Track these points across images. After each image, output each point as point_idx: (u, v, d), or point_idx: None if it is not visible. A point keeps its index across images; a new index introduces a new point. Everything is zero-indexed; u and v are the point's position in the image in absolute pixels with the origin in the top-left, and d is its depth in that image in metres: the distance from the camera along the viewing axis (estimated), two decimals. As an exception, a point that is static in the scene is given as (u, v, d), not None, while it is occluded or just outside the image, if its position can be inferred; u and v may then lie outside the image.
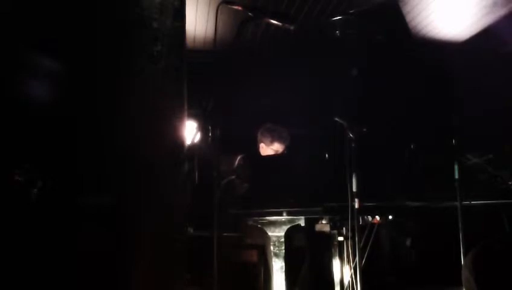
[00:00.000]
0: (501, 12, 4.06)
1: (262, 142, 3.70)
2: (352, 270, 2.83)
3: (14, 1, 2.05)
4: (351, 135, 2.75)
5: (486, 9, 4.03)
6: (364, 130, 2.81)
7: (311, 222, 2.90)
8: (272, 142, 3.64)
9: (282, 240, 2.83)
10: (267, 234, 2.87)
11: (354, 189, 2.68)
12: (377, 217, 3.01)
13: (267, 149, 3.67)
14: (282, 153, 3.60)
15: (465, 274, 2.29)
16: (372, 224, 3.03)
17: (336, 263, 2.95)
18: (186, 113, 2.28)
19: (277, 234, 2.84)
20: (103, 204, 1.99)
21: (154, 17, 2.19)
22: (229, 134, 2.28)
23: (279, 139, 3.63)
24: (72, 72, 2.08)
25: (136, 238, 2.05)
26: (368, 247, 2.99)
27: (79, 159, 2.02)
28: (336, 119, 2.84)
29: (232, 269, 2.86)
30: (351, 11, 3.69)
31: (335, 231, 2.93)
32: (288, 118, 4.07)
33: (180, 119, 2.23)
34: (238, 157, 3.55)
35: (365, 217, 2.97)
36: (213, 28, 3.96)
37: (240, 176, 3.18)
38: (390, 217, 3.11)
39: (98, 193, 2.01)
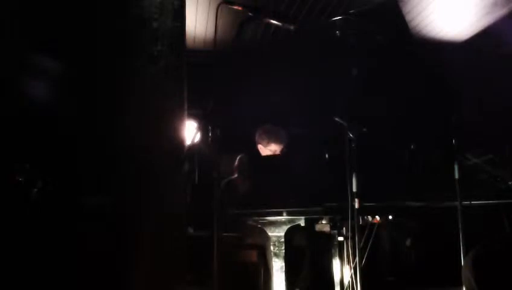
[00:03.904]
0: (501, 12, 4.05)
1: (259, 143, 3.70)
2: (352, 270, 2.83)
3: (15, 1, 2.05)
4: (351, 135, 2.76)
5: (486, 9, 4.03)
6: (364, 130, 2.82)
7: (311, 222, 2.90)
8: (268, 143, 3.64)
9: (282, 240, 2.82)
10: (267, 234, 2.87)
11: (354, 189, 2.68)
12: (377, 217, 3.01)
13: (264, 150, 3.67)
14: (281, 153, 3.60)
15: (465, 274, 2.28)
16: (372, 224, 3.03)
17: (336, 263, 2.95)
18: (186, 113, 2.28)
19: (277, 234, 2.84)
20: (103, 204, 1.99)
21: (154, 17, 2.19)
22: (229, 134, 2.28)
23: (276, 141, 3.63)
24: (73, 72, 2.08)
25: (136, 238, 2.05)
26: (368, 247, 2.99)
27: (79, 159, 2.02)
28: (336, 119, 2.84)
29: (232, 269, 2.85)
30: (351, 11, 3.68)
31: (335, 231, 2.93)
32: (288, 118, 4.07)
33: (180, 119, 2.23)
34: (238, 157, 3.56)
35: (365, 217, 2.97)
36: (213, 28, 3.97)
37: (240, 175, 3.18)
38: (390, 217, 3.11)
39: (98, 193, 2.02)
